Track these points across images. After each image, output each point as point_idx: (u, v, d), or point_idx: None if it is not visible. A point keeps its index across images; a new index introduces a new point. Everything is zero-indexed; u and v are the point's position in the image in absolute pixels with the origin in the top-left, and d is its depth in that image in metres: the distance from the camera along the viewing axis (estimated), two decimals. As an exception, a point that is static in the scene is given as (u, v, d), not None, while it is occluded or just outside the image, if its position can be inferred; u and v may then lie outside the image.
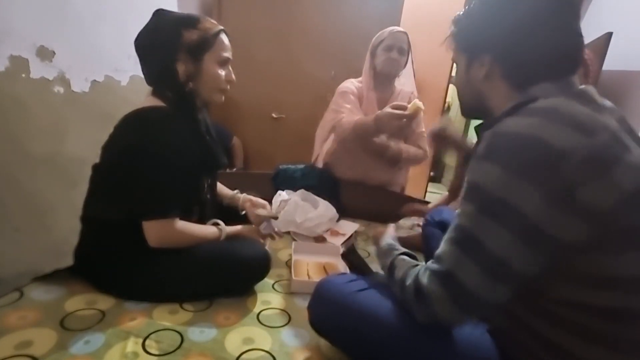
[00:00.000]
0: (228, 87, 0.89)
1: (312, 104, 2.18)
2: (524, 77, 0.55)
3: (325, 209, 1.30)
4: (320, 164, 1.54)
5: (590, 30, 2.00)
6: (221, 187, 1.08)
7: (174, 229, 0.80)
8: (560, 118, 0.46)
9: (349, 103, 1.38)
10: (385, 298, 0.62)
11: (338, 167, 1.49)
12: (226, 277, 0.83)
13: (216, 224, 0.90)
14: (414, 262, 0.63)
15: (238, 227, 0.93)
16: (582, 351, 0.48)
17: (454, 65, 0.73)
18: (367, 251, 1.24)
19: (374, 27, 2.00)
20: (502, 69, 0.57)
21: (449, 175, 3.49)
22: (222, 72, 0.86)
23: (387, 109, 1.14)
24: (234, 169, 2.14)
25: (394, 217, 1.34)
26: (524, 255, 0.46)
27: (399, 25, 2.01)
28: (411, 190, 1.78)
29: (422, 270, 0.55)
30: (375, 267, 1.12)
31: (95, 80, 1.38)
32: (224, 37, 0.85)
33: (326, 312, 0.66)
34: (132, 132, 0.79)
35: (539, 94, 0.52)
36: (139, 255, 0.80)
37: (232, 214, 1.01)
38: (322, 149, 1.52)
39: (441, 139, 1.10)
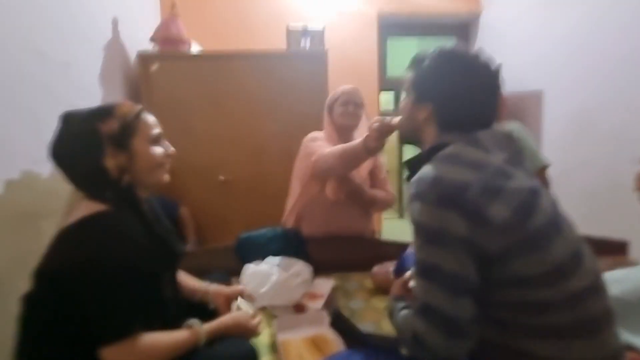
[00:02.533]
0: (169, 161, 0.83)
1: (258, 161, 2.17)
2: (448, 126, 0.71)
3: (300, 268, 1.24)
4: (290, 222, 1.49)
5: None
6: (187, 280, 0.97)
7: (140, 347, 0.68)
8: (458, 161, 0.62)
9: (322, 144, 1.39)
10: None
11: (311, 222, 1.45)
12: (211, 390, 0.72)
13: (190, 326, 0.78)
14: (409, 312, 0.66)
15: (220, 321, 0.82)
16: (524, 345, 0.57)
17: (399, 101, 0.87)
18: (350, 308, 1.19)
19: (305, 85, 2.13)
20: (437, 119, 0.72)
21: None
22: (159, 149, 0.81)
23: (371, 124, 1.15)
24: (188, 244, 1.97)
25: (370, 264, 1.33)
26: (470, 266, 0.57)
27: (327, 78, 2.16)
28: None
29: (410, 315, 0.62)
30: (364, 325, 1.08)
31: (9, 179, 1.19)
32: (146, 116, 0.80)
33: None
34: (74, 250, 0.67)
35: (448, 140, 0.67)
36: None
37: (202, 309, 0.90)
38: (295, 205, 1.47)
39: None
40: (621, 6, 1.61)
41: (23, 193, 1.21)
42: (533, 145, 1.59)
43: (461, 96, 0.69)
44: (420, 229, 0.60)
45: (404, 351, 0.71)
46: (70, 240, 0.68)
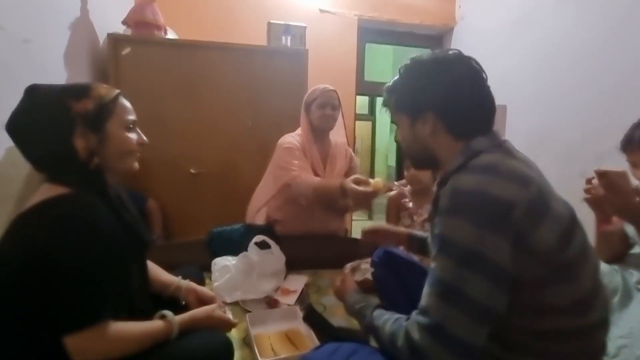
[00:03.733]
0: (141, 150, 0.81)
1: (231, 156, 2.13)
2: (462, 129, 0.65)
3: (272, 259, 1.25)
4: (261, 220, 1.48)
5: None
6: (158, 272, 0.94)
7: (107, 336, 0.65)
8: (500, 172, 0.55)
9: (296, 159, 1.40)
10: (377, 356, 0.63)
11: (289, 223, 1.47)
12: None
13: (163, 317, 0.76)
14: (394, 315, 0.65)
15: (193, 313, 0.80)
16: None
17: (394, 125, 0.79)
18: (322, 304, 1.21)
19: (283, 83, 2.12)
20: (444, 123, 0.66)
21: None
22: (133, 136, 0.78)
23: (351, 185, 1.18)
24: (155, 237, 1.89)
25: (341, 262, 1.36)
26: (500, 297, 0.52)
27: (307, 77, 2.17)
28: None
29: (410, 325, 0.57)
30: (336, 320, 1.11)
31: (-42, 161, 1.08)
32: (123, 100, 0.78)
33: None
34: (36, 234, 0.63)
35: (478, 148, 0.61)
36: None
37: (172, 303, 0.88)
38: (264, 204, 1.48)
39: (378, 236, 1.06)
40: (579, 34, 1.78)
41: (-28, 176, 1.11)
42: None
43: (456, 89, 0.64)
44: (452, 248, 0.53)
45: (373, 343, 0.72)
46: (32, 224, 0.63)
